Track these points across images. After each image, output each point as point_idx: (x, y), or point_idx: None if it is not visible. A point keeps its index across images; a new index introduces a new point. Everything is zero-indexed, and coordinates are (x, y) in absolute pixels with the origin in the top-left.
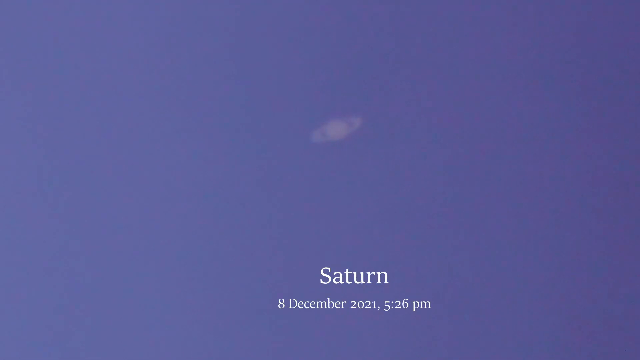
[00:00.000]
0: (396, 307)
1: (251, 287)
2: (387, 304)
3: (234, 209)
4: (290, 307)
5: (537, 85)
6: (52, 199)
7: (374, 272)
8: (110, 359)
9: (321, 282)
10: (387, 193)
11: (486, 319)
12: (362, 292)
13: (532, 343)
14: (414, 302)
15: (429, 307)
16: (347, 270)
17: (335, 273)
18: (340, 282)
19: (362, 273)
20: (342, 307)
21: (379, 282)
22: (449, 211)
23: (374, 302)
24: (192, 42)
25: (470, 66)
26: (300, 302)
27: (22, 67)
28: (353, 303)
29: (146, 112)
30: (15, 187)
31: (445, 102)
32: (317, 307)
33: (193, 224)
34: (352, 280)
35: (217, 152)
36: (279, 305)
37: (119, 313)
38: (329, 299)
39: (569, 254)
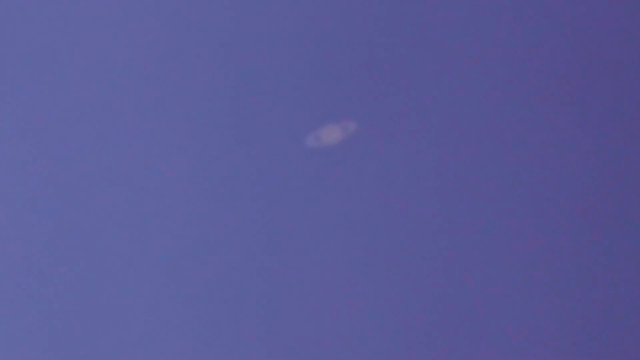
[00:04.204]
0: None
1: (246, 291)
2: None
3: (228, 213)
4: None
5: (534, 87)
6: (49, 199)
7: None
8: (108, 359)
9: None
10: (382, 197)
11: (486, 319)
12: (359, 293)
13: (532, 343)
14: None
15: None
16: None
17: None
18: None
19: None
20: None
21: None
22: (444, 215)
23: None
24: (187, 46)
25: (466, 70)
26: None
27: (22, 67)
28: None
29: (141, 116)
30: (16, 188)
31: (441, 106)
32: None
33: (187, 228)
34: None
35: (211, 157)
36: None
37: (116, 313)
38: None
39: (568, 254)
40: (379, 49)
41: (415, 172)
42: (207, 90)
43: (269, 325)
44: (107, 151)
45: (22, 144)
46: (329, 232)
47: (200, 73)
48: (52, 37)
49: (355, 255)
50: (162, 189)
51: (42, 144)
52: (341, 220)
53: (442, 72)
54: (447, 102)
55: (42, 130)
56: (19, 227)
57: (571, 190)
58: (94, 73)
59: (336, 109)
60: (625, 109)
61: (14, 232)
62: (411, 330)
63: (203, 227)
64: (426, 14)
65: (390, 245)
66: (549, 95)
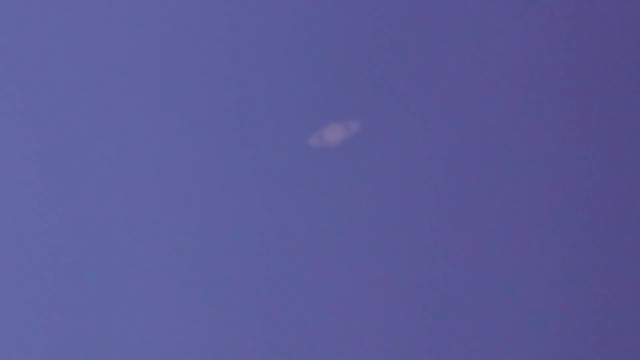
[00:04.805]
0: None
1: (247, 290)
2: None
3: (231, 212)
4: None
5: (534, 87)
6: (48, 199)
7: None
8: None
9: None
10: (385, 196)
11: (485, 318)
12: (359, 293)
13: (531, 343)
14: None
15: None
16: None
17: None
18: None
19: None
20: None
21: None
22: (446, 214)
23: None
24: (190, 46)
25: (467, 70)
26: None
27: (22, 67)
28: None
29: (144, 116)
30: (16, 188)
31: (443, 106)
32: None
33: (190, 226)
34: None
35: (215, 157)
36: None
37: (116, 313)
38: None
39: (567, 254)
40: (382, 49)
41: (417, 172)
42: (211, 90)
43: (269, 324)
44: (109, 151)
45: (23, 144)
46: (331, 230)
47: (203, 73)
48: (53, 38)
49: (357, 253)
50: (166, 188)
51: (43, 144)
52: (344, 219)
53: (444, 72)
54: (449, 102)
55: (43, 130)
56: (19, 227)
57: (570, 190)
58: (96, 74)
59: (339, 109)
60: (625, 109)
61: (13, 232)
62: (411, 330)
63: (206, 226)
64: (427, 15)
65: (392, 244)
66: (549, 95)
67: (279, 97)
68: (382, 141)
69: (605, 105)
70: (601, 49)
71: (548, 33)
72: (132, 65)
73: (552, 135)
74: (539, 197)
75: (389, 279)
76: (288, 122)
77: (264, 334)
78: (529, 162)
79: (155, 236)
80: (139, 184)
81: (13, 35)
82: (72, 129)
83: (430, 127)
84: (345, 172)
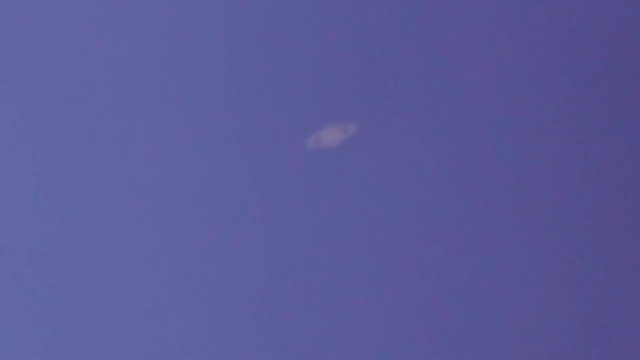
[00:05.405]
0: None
1: (246, 292)
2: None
3: (228, 215)
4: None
5: (533, 88)
6: (49, 199)
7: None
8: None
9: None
10: (382, 199)
11: (485, 319)
12: (359, 294)
13: (531, 343)
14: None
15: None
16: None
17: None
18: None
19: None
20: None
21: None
22: (444, 216)
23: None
24: (187, 47)
25: (466, 71)
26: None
27: (22, 67)
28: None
29: (141, 117)
30: (15, 188)
31: (441, 107)
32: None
33: (187, 229)
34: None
35: (211, 158)
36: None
37: (116, 314)
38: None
39: (567, 254)
40: (380, 49)
41: (415, 173)
42: (207, 91)
43: (268, 326)
44: (107, 151)
45: (23, 144)
46: (329, 233)
47: (200, 74)
48: (52, 37)
49: (355, 256)
50: (162, 190)
51: (42, 144)
52: (341, 222)
53: (443, 73)
54: (447, 103)
55: (42, 130)
56: (20, 228)
57: (570, 191)
58: (94, 73)
59: (336, 110)
60: (625, 110)
61: (14, 232)
62: (411, 331)
63: (203, 228)
64: (426, 14)
65: (390, 246)
66: (549, 95)
67: (275, 99)
68: (380, 143)
69: (605, 105)
70: (601, 49)
71: (548, 33)
72: (128, 65)
73: (552, 137)
74: (538, 199)
75: (387, 282)
76: (285, 124)
77: (261, 335)
78: (529, 164)
79: (150, 237)
80: (134, 185)
81: (13, 35)
82: (71, 128)
83: (428, 129)
84: (342, 174)
